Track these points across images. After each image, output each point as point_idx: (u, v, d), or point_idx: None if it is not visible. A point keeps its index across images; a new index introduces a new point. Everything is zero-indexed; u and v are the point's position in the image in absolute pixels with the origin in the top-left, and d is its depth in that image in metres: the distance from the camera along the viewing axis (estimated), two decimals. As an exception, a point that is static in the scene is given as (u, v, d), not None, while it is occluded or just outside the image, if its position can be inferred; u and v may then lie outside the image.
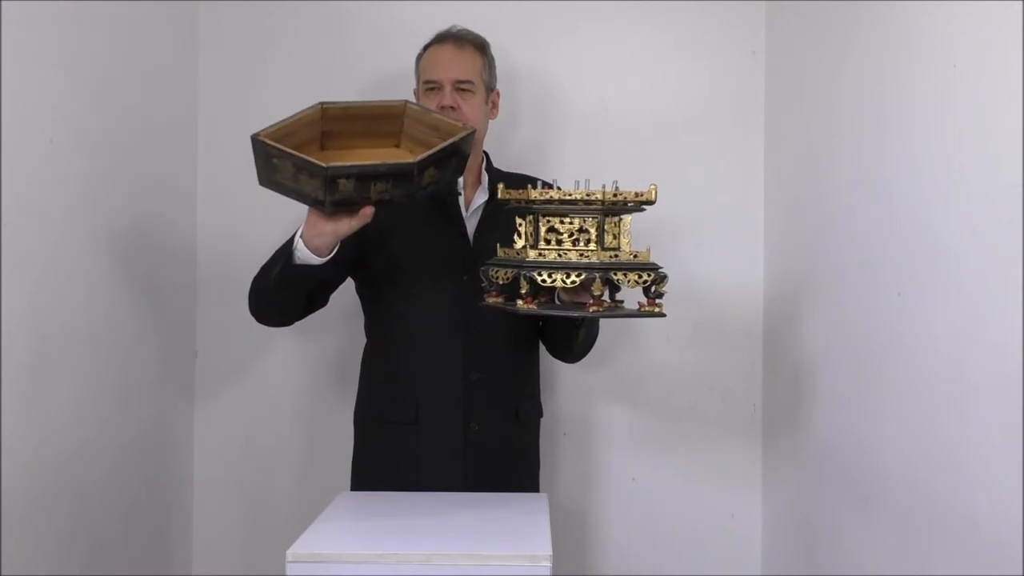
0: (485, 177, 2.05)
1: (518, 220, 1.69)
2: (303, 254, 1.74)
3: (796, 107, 2.29)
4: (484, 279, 1.71)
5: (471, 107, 1.98)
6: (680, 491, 2.49)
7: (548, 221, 1.64)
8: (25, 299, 1.69)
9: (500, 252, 1.72)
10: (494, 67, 2.06)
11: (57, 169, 1.80)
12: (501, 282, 1.68)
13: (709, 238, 2.47)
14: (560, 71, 2.48)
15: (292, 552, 1.50)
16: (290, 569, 1.49)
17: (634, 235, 1.77)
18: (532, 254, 1.63)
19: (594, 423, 2.50)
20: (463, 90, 1.97)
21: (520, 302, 1.62)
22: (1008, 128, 1.36)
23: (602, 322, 2.01)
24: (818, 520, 2.11)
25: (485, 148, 2.09)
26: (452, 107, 1.95)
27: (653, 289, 1.65)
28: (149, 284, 2.21)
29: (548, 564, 1.48)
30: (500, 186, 1.70)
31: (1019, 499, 1.33)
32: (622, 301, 1.73)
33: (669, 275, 1.65)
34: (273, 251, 1.86)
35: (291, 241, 1.77)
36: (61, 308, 1.82)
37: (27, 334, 1.70)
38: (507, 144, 2.41)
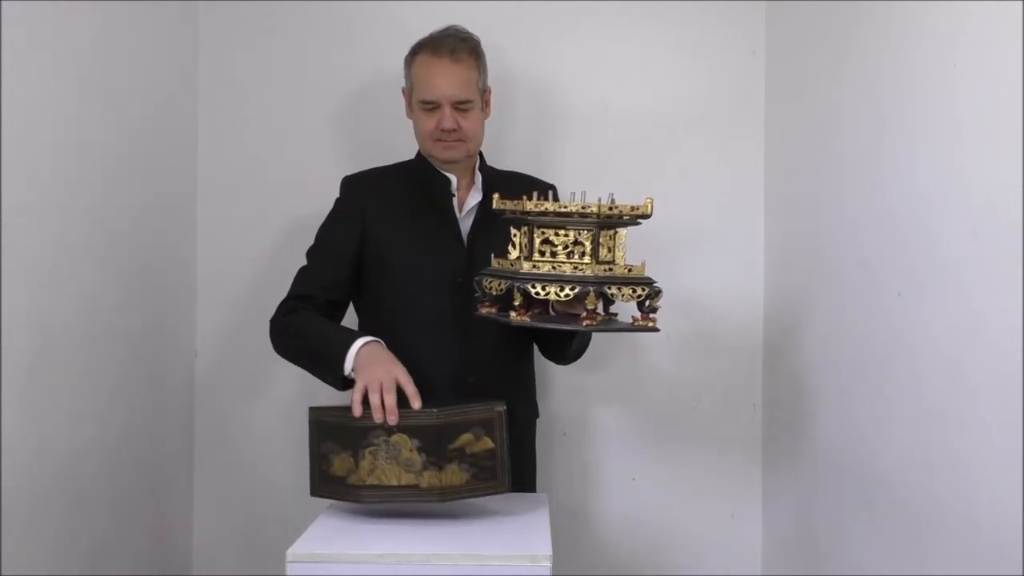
0: (479, 177, 2.04)
1: (512, 231, 1.68)
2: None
3: (796, 107, 2.29)
4: (478, 289, 1.71)
5: (470, 123, 1.97)
6: (680, 491, 2.49)
7: (543, 233, 1.63)
8: (25, 299, 1.69)
9: (494, 262, 1.72)
10: (486, 66, 2.03)
11: (57, 169, 1.80)
12: (495, 293, 1.67)
13: (709, 238, 2.47)
14: (560, 71, 2.47)
15: (292, 552, 1.50)
16: (290, 569, 1.49)
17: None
18: (526, 266, 1.62)
19: (594, 423, 2.50)
20: (462, 108, 1.95)
21: (513, 314, 1.62)
22: (1008, 128, 1.36)
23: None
24: (818, 520, 2.10)
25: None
26: (453, 129, 1.94)
27: (647, 303, 1.64)
28: (149, 284, 2.21)
29: (548, 564, 1.48)
30: (495, 196, 1.71)
31: (1019, 499, 1.33)
32: (616, 314, 1.73)
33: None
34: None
35: (340, 352, 1.79)
36: (61, 308, 1.82)
37: (27, 334, 1.70)
38: (506, 144, 2.41)
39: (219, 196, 2.47)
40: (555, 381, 2.45)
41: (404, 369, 1.73)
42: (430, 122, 1.96)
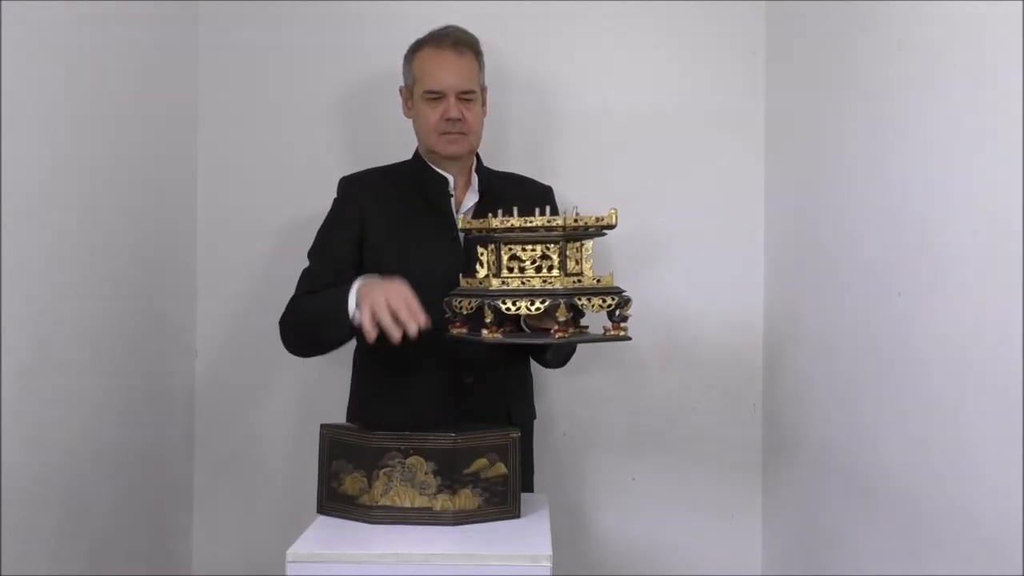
0: (475, 178, 2.04)
1: (479, 249, 1.68)
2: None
3: (796, 107, 2.29)
4: (447, 310, 1.71)
5: (473, 115, 1.98)
6: (680, 491, 2.49)
7: (510, 249, 1.64)
8: (25, 299, 1.69)
9: (462, 282, 1.72)
10: (484, 64, 2.05)
11: (57, 169, 1.80)
12: (465, 312, 1.67)
13: (710, 237, 2.47)
14: (560, 71, 2.47)
15: (292, 552, 1.50)
16: (290, 569, 1.49)
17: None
18: (495, 283, 1.62)
19: (594, 423, 2.50)
20: (466, 99, 1.96)
21: (486, 332, 1.62)
22: (1008, 128, 1.36)
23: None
24: (818, 520, 2.11)
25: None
26: (458, 119, 1.94)
27: (617, 313, 1.65)
28: (149, 284, 2.21)
29: (548, 564, 1.48)
30: (461, 217, 1.71)
31: (1019, 499, 1.33)
32: (587, 327, 1.73)
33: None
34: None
35: (342, 299, 1.77)
36: (61, 308, 1.82)
37: (27, 334, 1.70)
38: (507, 145, 2.41)
39: (219, 196, 2.47)
40: (555, 382, 2.45)
41: (404, 284, 1.72)
42: (434, 114, 1.96)
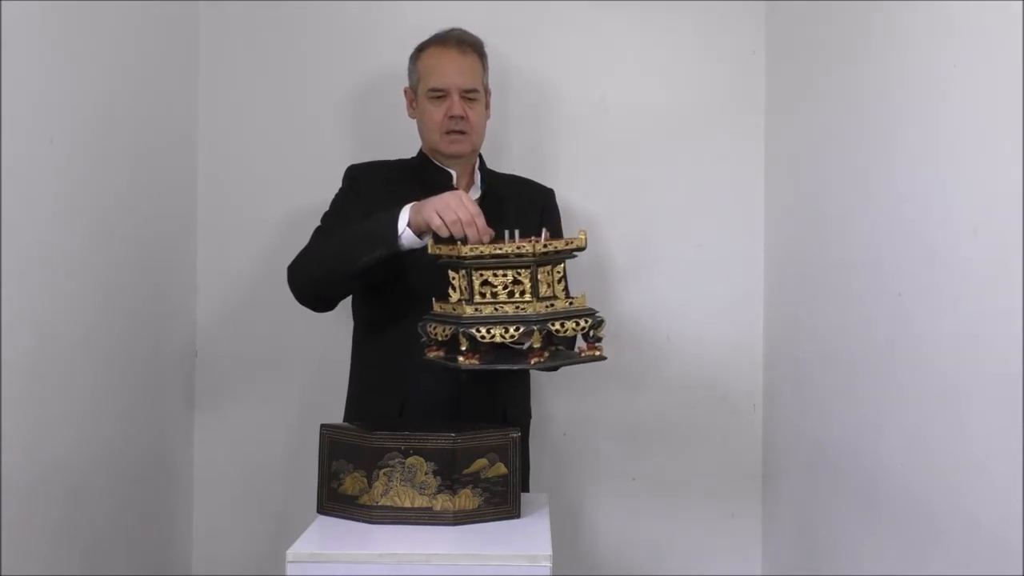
0: (478, 176, 2.05)
1: (451, 274, 1.68)
2: (409, 240, 1.74)
3: (796, 107, 2.29)
4: (423, 335, 1.71)
5: (476, 114, 1.98)
6: (680, 491, 2.49)
7: (481, 275, 1.63)
8: (25, 299, 1.69)
9: (436, 306, 1.71)
10: (488, 67, 2.06)
11: (57, 169, 1.80)
12: (440, 339, 1.67)
13: (709, 237, 2.47)
14: (560, 72, 2.48)
15: (292, 552, 1.50)
16: (290, 569, 1.49)
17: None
18: (469, 310, 1.62)
19: (594, 423, 2.50)
20: (469, 98, 1.97)
21: (462, 358, 1.62)
22: (1008, 128, 1.36)
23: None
24: (818, 520, 2.11)
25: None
26: (461, 116, 1.95)
27: (592, 334, 1.65)
28: (149, 284, 2.21)
29: (548, 564, 1.48)
30: (429, 242, 1.70)
31: (1019, 499, 1.33)
32: (561, 346, 1.73)
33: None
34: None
35: (390, 217, 1.75)
36: (61, 308, 1.82)
37: (27, 333, 1.70)
38: (507, 145, 2.41)
39: (219, 195, 2.47)
40: (555, 381, 2.45)
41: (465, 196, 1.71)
42: (438, 112, 1.96)
